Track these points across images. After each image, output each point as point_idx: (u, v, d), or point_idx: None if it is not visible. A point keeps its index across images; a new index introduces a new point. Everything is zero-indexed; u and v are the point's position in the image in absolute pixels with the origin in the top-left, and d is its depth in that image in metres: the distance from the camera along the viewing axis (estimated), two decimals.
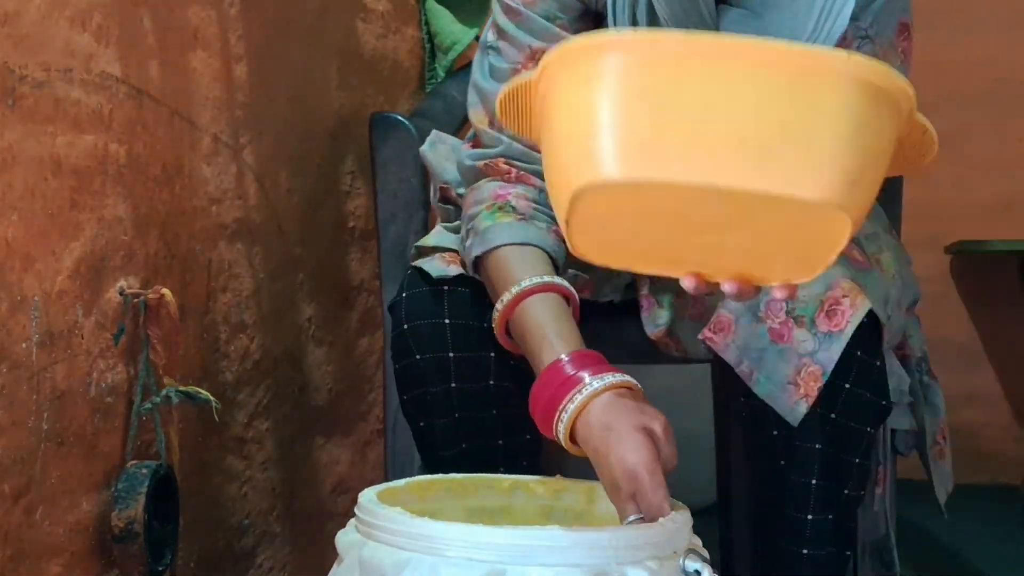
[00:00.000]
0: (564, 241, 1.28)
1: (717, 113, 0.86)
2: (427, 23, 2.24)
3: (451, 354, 1.34)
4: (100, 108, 1.27)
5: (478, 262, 1.31)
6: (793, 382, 1.22)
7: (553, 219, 1.31)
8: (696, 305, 1.38)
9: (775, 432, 1.28)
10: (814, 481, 1.26)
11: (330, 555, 1.17)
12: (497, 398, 1.37)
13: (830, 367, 1.20)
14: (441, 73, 2.19)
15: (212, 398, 1.39)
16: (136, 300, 1.33)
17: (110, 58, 1.29)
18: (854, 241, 1.30)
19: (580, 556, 1.00)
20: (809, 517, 1.26)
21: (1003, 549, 2.67)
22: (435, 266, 1.36)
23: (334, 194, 1.98)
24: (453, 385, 1.34)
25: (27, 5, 1.15)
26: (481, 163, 1.38)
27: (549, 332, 1.21)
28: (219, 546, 1.61)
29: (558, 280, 1.27)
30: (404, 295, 1.35)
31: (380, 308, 1.68)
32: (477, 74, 1.41)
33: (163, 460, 1.35)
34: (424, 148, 1.54)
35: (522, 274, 1.26)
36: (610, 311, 1.46)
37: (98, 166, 1.28)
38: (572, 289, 1.28)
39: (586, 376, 1.15)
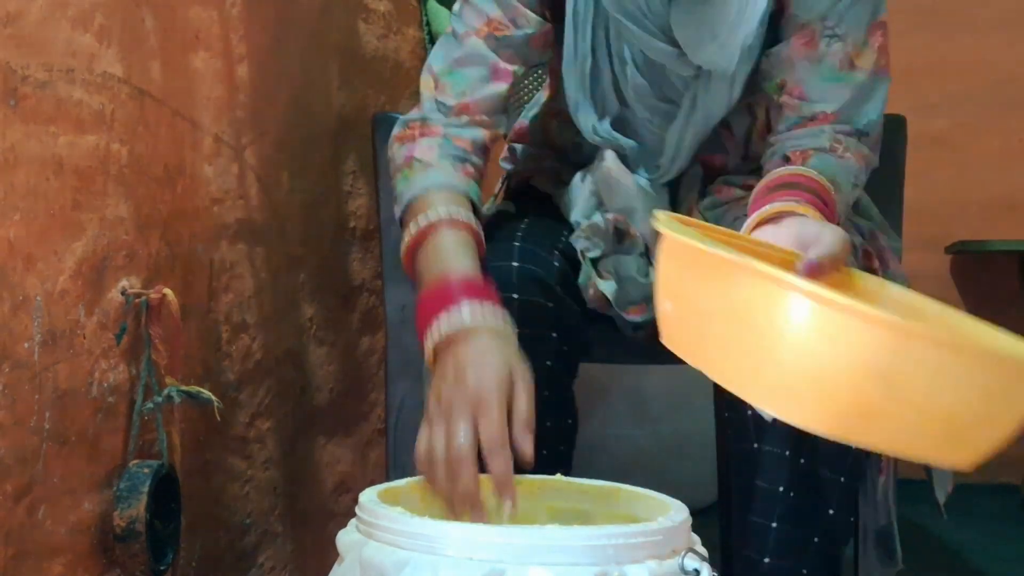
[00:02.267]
0: (475, 171, 1.39)
1: (938, 398, 0.87)
2: (428, 23, 2.25)
3: (516, 330, 1.33)
4: (102, 108, 1.28)
5: (402, 224, 1.35)
6: None
7: (460, 158, 1.38)
8: None
9: (755, 445, 1.28)
10: (792, 493, 1.26)
11: (331, 555, 1.17)
12: (552, 379, 1.37)
13: None
14: None
15: (214, 398, 1.39)
16: (138, 300, 1.33)
17: (112, 58, 1.29)
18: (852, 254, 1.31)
19: (580, 556, 1.00)
20: (773, 525, 1.26)
21: (1003, 549, 2.67)
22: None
23: (336, 194, 1.98)
24: None
25: (29, 5, 1.15)
26: (399, 130, 1.44)
27: (441, 259, 1.26)
28: (221, 545, 1.61)
29: (462, 216, 1.30)
30: None
31: (381, 308, 1.68)
32: (440, 41, 1.47)
33: (165, 460, 1.36)
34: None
35: (428, 211, 1.30)
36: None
37: (100, 166, 1.28)
38: (477, 227, 1.32)
39: (454, 304, 1.19)
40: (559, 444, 1.37)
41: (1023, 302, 3.50)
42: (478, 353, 1.16)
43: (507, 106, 1.45)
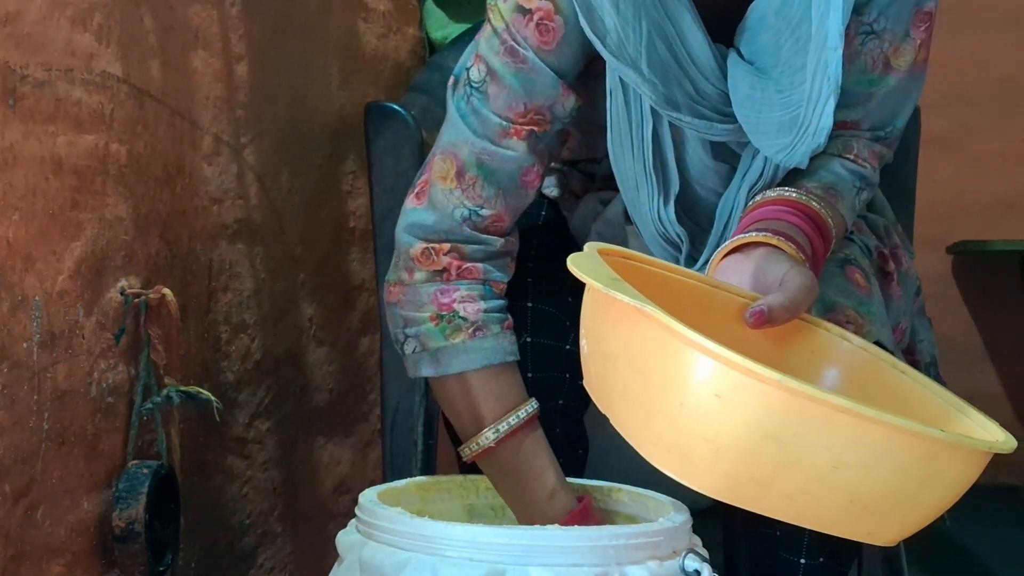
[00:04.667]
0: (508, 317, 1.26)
1: (842, 475, 0.84)
2: (425, 23, 2.24)
3: (529, 374, 1.31)
4: (101, 108, 1.27)
5: (431, 379, 1.27)
6: None
7: (506, 314, 1.27)
8: None
9: None
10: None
11: (331, 555, 1.17)
12: (564, 416, 1.36)
13: None
14: None
15: (213, 398, 1.39)
16: (137, 300, 1.33)
17: (111, 58, 1.29)
18: (855, 263, 1.28)
19: (580, 556, 1.00)
20: (802, 561, 1.24)
21: (1005, 549, 2.67)
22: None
23: (335, 194, 1.98)
24: None
25: (28, 5, 1.15)
26: (419, 248, 1.25)
27: (547, 478, 1.23)
28: (220, 546, 1.61)
29: (530, 409, 1.25)
30: None
31: (379, 307, 1.68)
32: (454, 114, 1.25)
33: (164, 460, 1.35)
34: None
35: (492, 409, 1.23)
36: None
37: (99, 166, 1.28)
38: (535, 406, 1.26)
39: None
40: (572, 474, 1.35)
41: (1023, 302, 3.50)
42: None
43: None
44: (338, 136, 1.96)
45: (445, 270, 1.25)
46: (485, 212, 1.24)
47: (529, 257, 1.35)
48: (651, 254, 1.26)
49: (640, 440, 0.91)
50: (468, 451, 1.26)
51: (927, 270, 3.20)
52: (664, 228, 1.27)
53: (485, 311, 1.24)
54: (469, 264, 1.25)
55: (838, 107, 1.21)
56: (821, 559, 1.23)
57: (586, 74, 1.27)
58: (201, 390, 1.39)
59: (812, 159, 1.24)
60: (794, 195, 1.19)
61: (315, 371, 1.90)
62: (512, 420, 1.24)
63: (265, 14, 1.71)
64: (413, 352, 1.26)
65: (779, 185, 1.23)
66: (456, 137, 1.25)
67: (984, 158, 3.54)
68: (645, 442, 0.90)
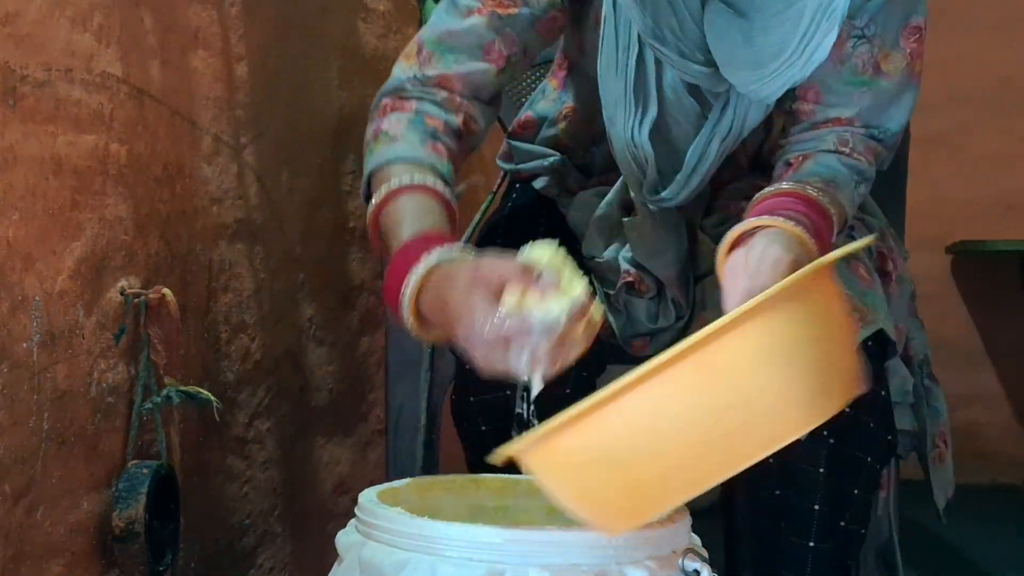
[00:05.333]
0: (445, 152, 1.29)
1: (671, 440, 0.90)
2: (425, 23, 2.24)
3: None
4: (101, 108, 1.27)
5: (366, 200, 1.29)
6: None
7: (430, 135, 1.30)
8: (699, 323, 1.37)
9: (771, 459, 1.28)
10: (817, 507, 1.25)
11: (331, 555, 1.17)
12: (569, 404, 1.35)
13: None
14: None
15: (213, 398, 1.39)
16: (137, 300, 1.33)
17: (111, 58, 1.29)
18: (858, 258, 1.29)
19: (580, 556, 1.00)
20: (812, 544, 1.25)
21: (1003, 549, 2.67)
22: None
23: (335, 194, 1.98)
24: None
25: (28, 5, 1.15)
26: (373, 107, 1.35)
27: (406, 223, 1.19)
28: (220, 546, 1.61)
29: (428, 181, 1.24)
30: None
31: (381, 308, 1.68)
32: (433, 9, 1.37)
33: (164, 460, 1.35)
34: None
35: (392, 180, 1.23)
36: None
37: (99, 166, 1.28)
38: (445, 192, 1.24)
39: (423, 254, 1.12)
40: None
41: (1023, 302, 3.50)
42: (469, 268, 1.07)
43: (494, 95, 1.37)
44: (338, 136, 1.96)
45: (382, 108, 1.33)
46: (430, 72, 1.33)
47: None
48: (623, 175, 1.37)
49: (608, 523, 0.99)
50: (367, 221, 1.26)
51: (926, 270, 3.21)
52: (635, 147, 1.33)
53: (407, 129, 1.29)
54: (405, 100, 1.33)
55: (829, 106, 1.29)
56: (828, 545, 1.24)
57: (577, 22, 1.36)
58: (201, 390, 1.39)
59: (808, 156, 1.27)
60: (789, 186, 1.23)
61: (315, 371, 1.90)
62: (395, 182, 1.23)
63: (265, 14, 1.71)
64: (365, 184, 1.30)
65: (775, 183, 1.24)
66: (430, 25, 1.35)
67: (984, 158, 3.54)
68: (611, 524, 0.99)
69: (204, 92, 1.54)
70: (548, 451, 0.94)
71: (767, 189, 1.24)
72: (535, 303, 1.00)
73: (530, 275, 1.01)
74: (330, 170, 1.96)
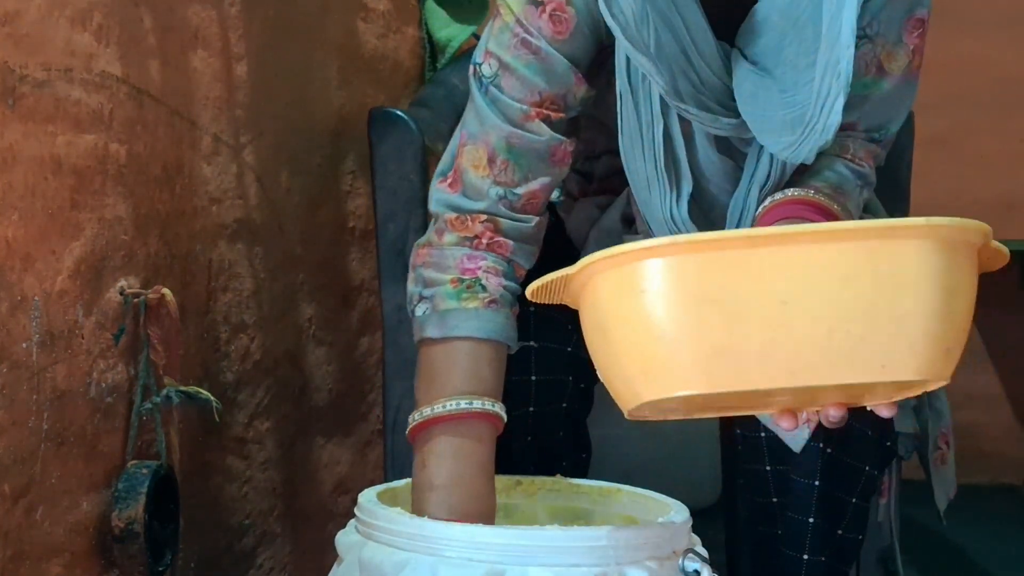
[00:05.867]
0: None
1: (796, 308, 0.80)
2: (425, 23, 2.24)
3: (533, 378, 1.31)
4: (100, 108, 1.27)
5: (428, 339, 1.24)
6: None
7: (517, 298, 1.26)
8: None
9: (767, 467, 1.28)
10: (812, 520, 1.25)
11: (330, 555, 1.17)
12: (567, 419, 1.35)
13: None
14: None
15: (212, 398, 1.39)
16: (136, 300, 1.32)
17: (110, 58, 1.29)
18: None
19: (580, 556, 1.00)
20: (805, 557, 1.25)
21: (1004, 549, 2.67)
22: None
23: (335, 194, 1.98)
24: (532, 409, 1.32)
25: (27, 5, 1.15)
26: (454, 214, 1.26)
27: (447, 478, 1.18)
28: (219, 546, 1.61)
29: (490, 406, 1.20)
30: None
31: (380, 308, 1.68)
32: (480, 102, 1.26)
33: (163, 460, 1.35)
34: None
35: (466, 384, 1.20)
36: None
37: (98, 166, 1.28)
38: (502, 415, 1.22)
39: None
40: (575, 477, 1.34)
41: (1023, 302, 3.50)
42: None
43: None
44: (338, 136, 1.96)
45: (477, 237, 1.26)
46: (520, 191, 1.26)
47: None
48: None
49: (622, 399, 0.90)
50: (417, 416, 1.21)
51: None
52: (677, 228, 1.27)
53: (504, 287, 1.24)
54: (501, 238, 1.26)
55: None
56: (823, 557, 1.24)
57: (591, 72, 1.28)
58: (201, 390, 1.39)
59: (816, 159, 1.25)
60: (800, 193, 1.21)
61: (314, 371, 1.90)
62: (476, 404, 1.20)
63: (265, 14, 1.71)
64: (423, 314, 1.25)
65: (787, 186, 1.24)
66: (483, 124, 1.26)
67: (984, 158, 3.54)
68: (624, 399, 0.90)
69: (203, 92, 1.54)
70: (656, 271, 0.82)
71: (776, 196, 1.23)
72: None
73: None
74: (330, 170, 1.96)
